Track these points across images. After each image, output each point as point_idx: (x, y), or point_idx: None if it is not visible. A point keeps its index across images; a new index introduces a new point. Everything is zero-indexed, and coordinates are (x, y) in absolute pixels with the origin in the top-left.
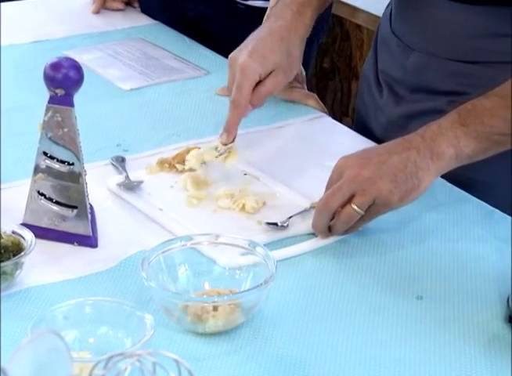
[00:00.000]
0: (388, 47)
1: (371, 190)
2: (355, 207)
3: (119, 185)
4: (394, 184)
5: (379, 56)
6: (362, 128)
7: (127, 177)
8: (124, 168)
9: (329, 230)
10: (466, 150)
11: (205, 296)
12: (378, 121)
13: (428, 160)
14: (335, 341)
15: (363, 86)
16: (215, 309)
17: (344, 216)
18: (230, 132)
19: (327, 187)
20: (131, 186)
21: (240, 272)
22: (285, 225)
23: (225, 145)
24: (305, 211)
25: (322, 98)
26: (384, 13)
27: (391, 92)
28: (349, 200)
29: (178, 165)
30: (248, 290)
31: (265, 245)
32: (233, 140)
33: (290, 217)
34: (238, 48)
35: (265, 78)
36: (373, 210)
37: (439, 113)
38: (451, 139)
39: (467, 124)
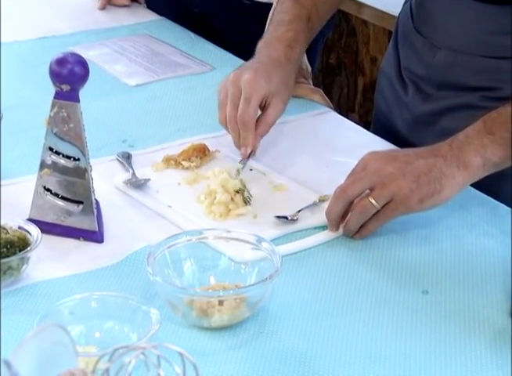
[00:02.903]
0: (412, 45)
1: (391, 185)
2: (372, 200)
3: (126, 182)
4: (416, 184)
5: (401, 53)
6: (383, 124)
7: (133, 174)
8: (130, 164)
9: (344, 226)
10: (494, 158)
11: (210, 291)
12: (403, 119)
13: (454, 169)
14: (341, 335)
15: (383, 83)
16: (221, 303)
17: (360, 207)
18: (248, 144)
19: (348, 177)
20: (138, 184)
21: (246, 267)
22: (295, 218)
23: (247, 158)
24: (314, 204)
25: (328, 93)
26: (402, 9)
27: (416, 89)
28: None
29: (183, 162)
30: (253, 284)
31: (275, 239)
32: (254, 153)
33: (300, 210)
34: (236, 71)
35: (268, 107)
36: (390, 207)
37: (470, 108)
38: (478, 148)
39: (493, 131)
